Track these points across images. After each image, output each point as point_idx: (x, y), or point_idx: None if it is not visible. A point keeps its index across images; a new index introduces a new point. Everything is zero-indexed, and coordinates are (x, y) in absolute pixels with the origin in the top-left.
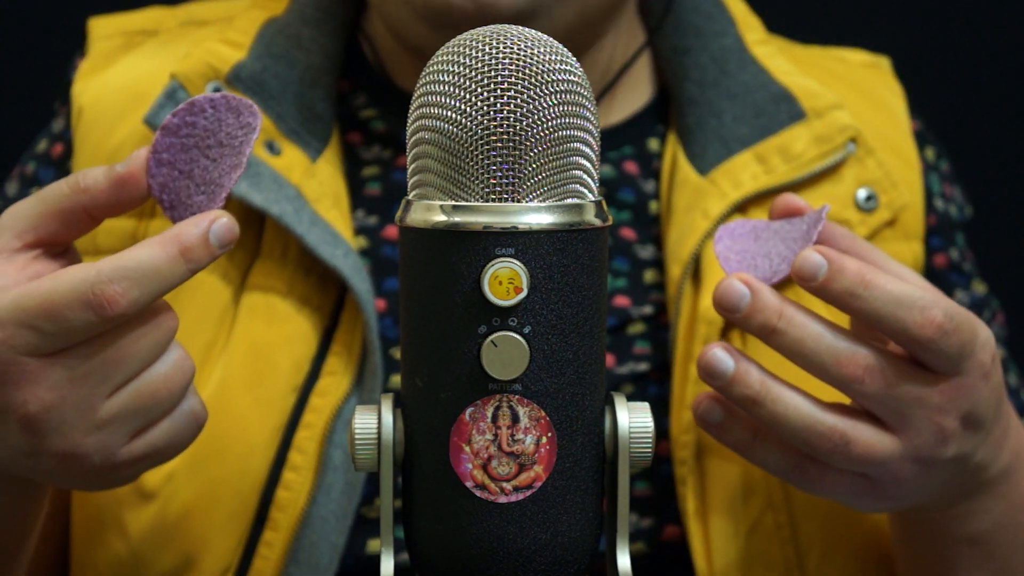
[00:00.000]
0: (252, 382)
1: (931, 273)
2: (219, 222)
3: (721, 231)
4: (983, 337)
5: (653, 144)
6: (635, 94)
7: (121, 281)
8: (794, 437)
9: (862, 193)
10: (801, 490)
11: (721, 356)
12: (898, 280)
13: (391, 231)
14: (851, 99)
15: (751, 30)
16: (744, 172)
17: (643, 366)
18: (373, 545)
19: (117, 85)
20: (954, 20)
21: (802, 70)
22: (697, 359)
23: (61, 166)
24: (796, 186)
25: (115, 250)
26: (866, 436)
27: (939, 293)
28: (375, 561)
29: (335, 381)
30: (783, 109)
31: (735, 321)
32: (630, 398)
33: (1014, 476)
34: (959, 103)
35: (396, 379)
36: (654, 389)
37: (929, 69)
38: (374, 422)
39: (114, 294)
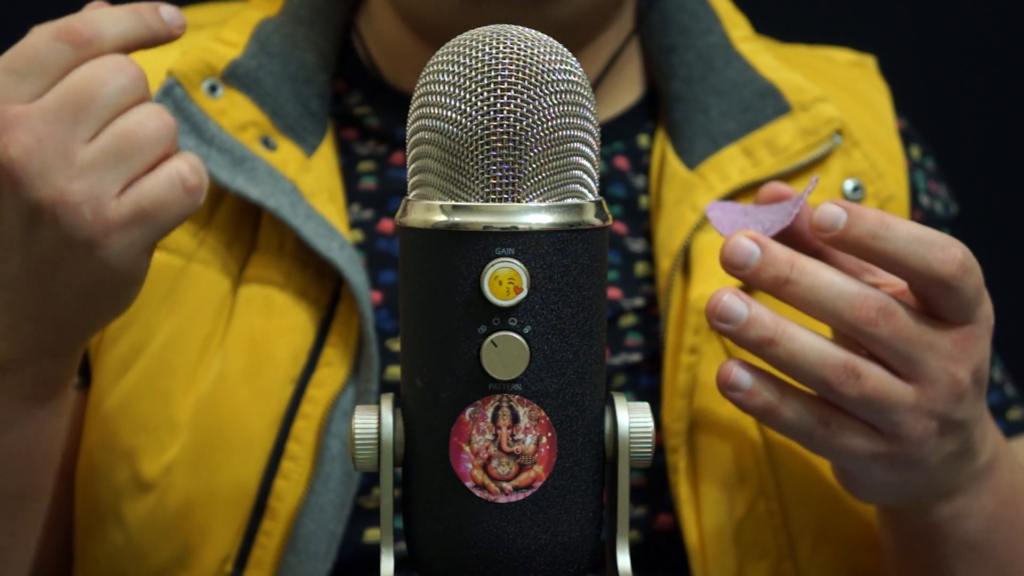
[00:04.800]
0: (250, 374)
1: None
2: (163, 7)
3: (712, 203)
4: (986, 293)
5: (643, 140)
6: (625, 92)
7: (88, 18)
8: (809, 373)
9: (849, 184)
10: (821, 454)
11: (735, 301)
12: (914, 223)
13: (386, 225)
14: (837, 96)
15: (736, 27)
16: (731, 166)
17: (635, 357)
18: (371, 535)
19: None
20: (939, 20)
21: (788, 67)
22: (707, 309)
23: None
24: (783, 178)
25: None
26: (878, 374)
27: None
28: (373, 550)
29: (332, 372)
30: (769, 103)
31: (745, 278)
32: (622, 389)
33: (998, 470)
34: (944, 102)
35: (392, 370)
36: (645, 380)
37: (914, 69)
38: (374, 422)
39: (82, 24)
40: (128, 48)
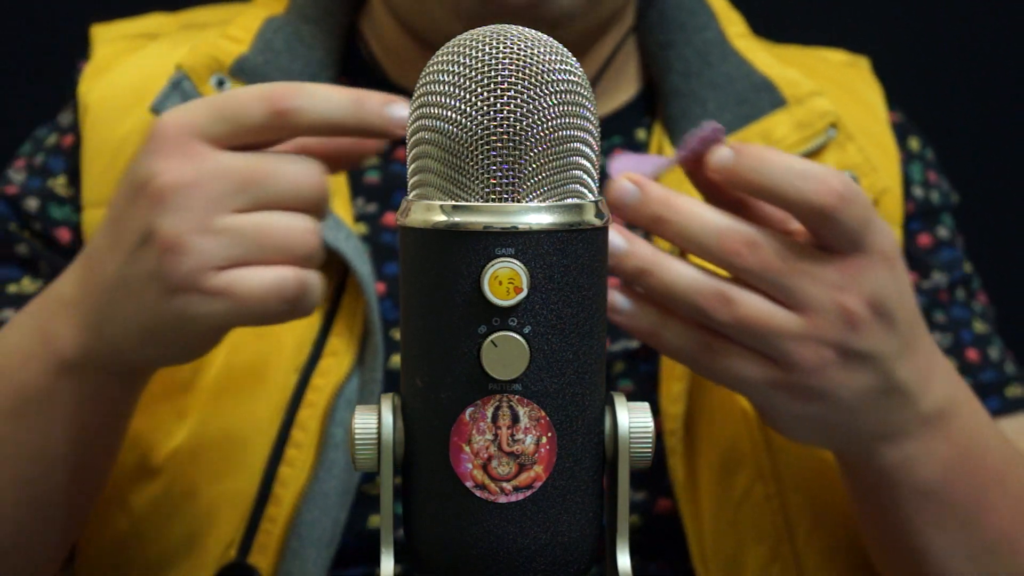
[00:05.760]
0: (256, 362)
1: (915, 253)
2: (398, 105)
3: (615, 154)
4: (882, 224)
5: (640, 134)
6: (623, 88)
7: (297, 90)
8: (683, 300)
9: None
10: (712, 379)
11: (615, 237)
12: (796, 157)
13: (390, 219)
14: (831, 91)
15: (732, 24)
16: None
17: (634, 344)
18: (374, 521)
19: (121, 83)
20: (935, 22)
21: (783, 63)
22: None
23: (71, 155)
24: None
25: None
26: (753, 301)
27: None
28: (376, 536)
29: (336, 361)
30: (764, 97)
31: (628, 218)
32: (621, 375)
33: (955, 420)
34: (938, 104)
35: (396, 359)
36: (644, 367)
37: (909, 71)
38: (374, 422)
39: (286, 93)
40: (327, 130)
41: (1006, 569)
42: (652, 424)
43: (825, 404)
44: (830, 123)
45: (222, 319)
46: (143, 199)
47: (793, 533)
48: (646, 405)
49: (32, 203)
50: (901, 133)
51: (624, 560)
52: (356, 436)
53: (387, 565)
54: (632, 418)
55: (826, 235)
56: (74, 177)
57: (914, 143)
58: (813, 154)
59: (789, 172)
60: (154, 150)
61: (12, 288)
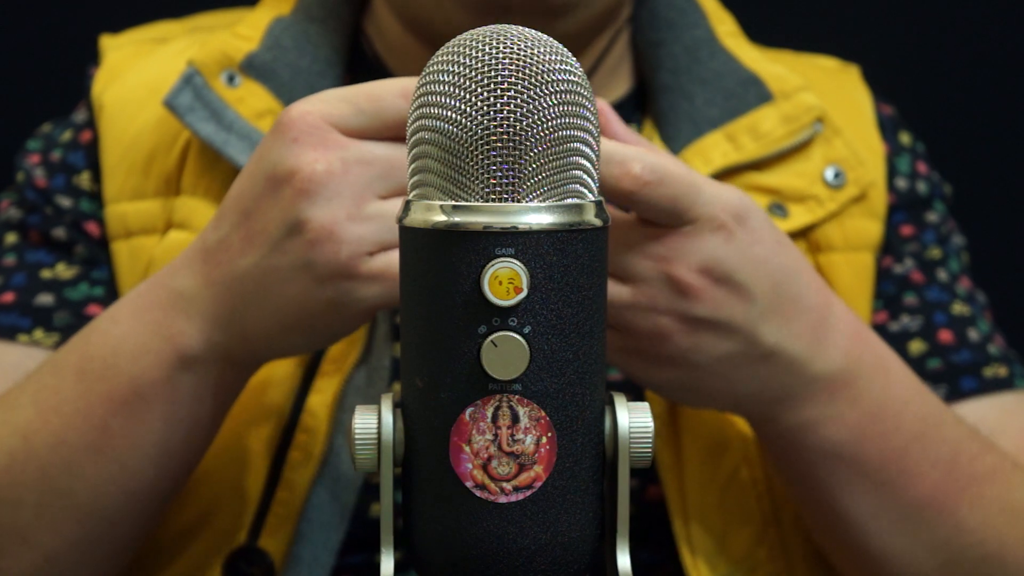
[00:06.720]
0: None
1: (895, 241)
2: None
3: None
4: (711, 195)
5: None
6: (616, 85)
7: None
8: None
9: (830, 172)
10: None
11: None
12: (613, 142)
13: None
14: (818, 91)
15: (722, 23)
16: (714, 150)
17: None
18: (375, 509)
19: (136, 82)
20: (927, 25)
21: (771, 61)
22: None
23: (91, 151)
24: (765, 163)
25: (145, 231)
26: None
27: (658, 151)
28: (378, 525)
29: (345, 348)
30: (752, 92)
31: None
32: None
33: (861, 383)
34: (929, 110)
35: None
36: None
37: (900, 77)
38: (374, 422)
39: None
40: None
41: (935, 534)
42: (652, 424)
43: (685, 370)
44: (816, 117)
45: (377, 301)
46: (287, 191)
47: (779, 516)
48: (646, 405)
49: (65, 201)
50: (892, 127)
51: (624, 560)
52: (356, 436)
53: (387, 565)
54: (632, 418)
55: (641, 213)
56: (96, 173)
57: (905, 137)
58: (800, 148)
59: (602, 157)
60: (292, 141)
61: (46, 273)
